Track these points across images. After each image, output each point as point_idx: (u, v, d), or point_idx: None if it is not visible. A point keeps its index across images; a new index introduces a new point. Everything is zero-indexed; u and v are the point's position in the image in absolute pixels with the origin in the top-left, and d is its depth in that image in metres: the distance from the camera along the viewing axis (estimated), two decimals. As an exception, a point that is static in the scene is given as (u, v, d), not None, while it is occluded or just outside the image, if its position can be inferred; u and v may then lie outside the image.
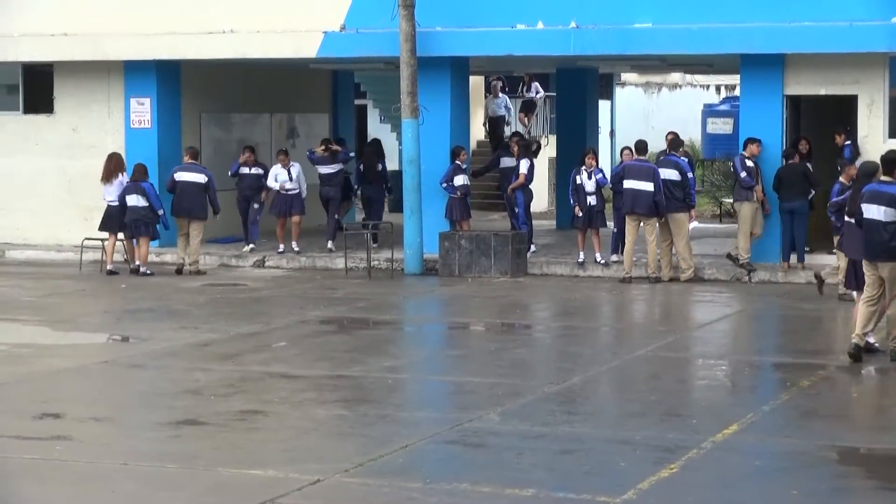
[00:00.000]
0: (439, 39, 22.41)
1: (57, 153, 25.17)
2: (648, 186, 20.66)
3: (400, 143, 23.70)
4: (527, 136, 29.60)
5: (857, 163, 21.12)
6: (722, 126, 33.57)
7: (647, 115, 40.97)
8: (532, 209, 23.73)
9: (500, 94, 33.29)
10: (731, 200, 24.18)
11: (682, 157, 21.59)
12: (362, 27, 22.85)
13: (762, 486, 9.82)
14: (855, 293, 15.07)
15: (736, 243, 21.34)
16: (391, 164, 27.18)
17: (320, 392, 13.03)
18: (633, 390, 13.38)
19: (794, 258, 21.25)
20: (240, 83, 26.51)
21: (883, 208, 13.98)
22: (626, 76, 40.53)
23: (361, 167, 25.28)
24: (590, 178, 21.67)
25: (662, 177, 20.83)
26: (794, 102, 22.29)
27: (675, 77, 41.69)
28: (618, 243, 21.88)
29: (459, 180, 22.56)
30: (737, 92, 32.43)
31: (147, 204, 21.63)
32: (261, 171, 23.53)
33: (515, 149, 23.40)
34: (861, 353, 14.22)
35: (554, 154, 30.76)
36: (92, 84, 24.87)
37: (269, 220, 24.10)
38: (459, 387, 13.49)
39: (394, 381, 13.79)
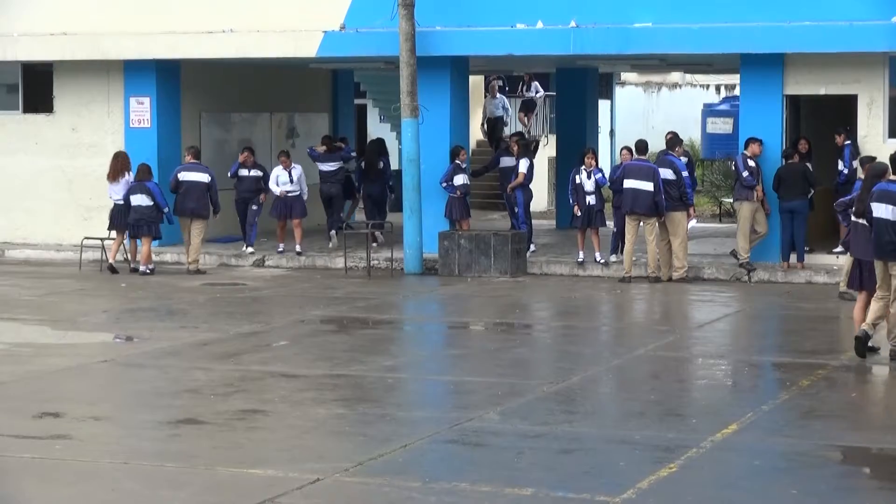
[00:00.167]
0: (439, 39, 22.41)
1: (56, 153, 25.18)
2: (648, 186, 20.66)
3: (400, 143, 23.69)
4: (527, 136, 29.62)
5: (856, 163, 21.22)
6: (722, 126, 33.55)
7: (646, 115, 40.96)
8: (532, 209, 23.74)
9: (498, 95, 33.29)
10: (731, 200, 24.18)
11: (679, 157, 21.57)
12: (362, 27, 22.85)
13: (761, 485, 9.82)
14: (857, 293, 15.07)
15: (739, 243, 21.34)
16: (393, 164, 27.17)
17: (320, 391, 13.03)
18: (633, 390, 13.38)
19: (793, 258, 21.25)
20: (239, 83, 26.50)
21: (892, 207, 14.01)
22: (625, 76, 40.53)
23: (363, 165, 25.29)
24: (589, 177, 21.67)
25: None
26: (794, 102, 22.30)
27: (675, 77, 41.68)
28: (617, 243, 21.88)
29: (459, 180, 22.56)
30: (736, 91, 32.42)
31: (151, 203, 21.69)
32: (259, 174, 23.46)
33: (515, 148, 23.41)
34: (868, 339, 14.22)
35: (554, 154, 30.76)
36: (91, 83, 24.87)
37: (268, 220, 24.09)
38: (459, 386, 13.49)
39: (393, 380, 13.79)
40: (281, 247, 23.34)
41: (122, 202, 22.00)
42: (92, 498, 9.66)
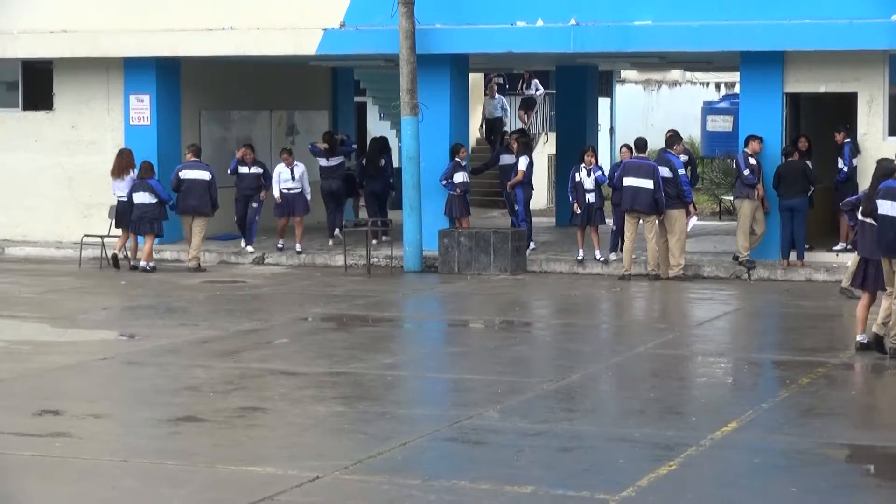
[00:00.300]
0: (439, 37, 22.41)
1: (56, 150, 25.18)
2: (648, 184, 20.66)
3: (400, 141, 23.69)
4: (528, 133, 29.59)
5: (855, 161, 21.23)
6: (722, 123, 33.57)
7: (646, 113, 40.97)
8: (532, 206, 23.73)
9: (497, 96, 33.27)
10: (731, 198, 24.18)
11: (679, 155, 21.55)
12: (362, 24, 22.84)
13: (761, 483, 9.82)
14: (859, 292, 15.08)
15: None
16: (395, 161, 27.19)
17: (319, 389, 13.03)
18: (633, 388, 13.38)
19: (793, 255, 21.25)
20: (239, 80, 26.50)
21: None
22: (625, 73, 40.54)
23: (364, 162, 25.30)
24: (589, 175, 21.67)
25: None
26: (794, 100, 22.30)
27: (675, 74, 41.69)
28: (617, 240, 21.88)
29: (459, 177, 22.56)
30: (736, 89, 32.43)
31: (152, 201, 21.76)
32: (259, 170, 23.42)
33: (515, 146, 23.41)
34: (881, 339, 14.23)
35: (553, 151, 30.76)
36: (91, 81, 24.87)
37: (267, 218, 24.06)
38: (459, 384, 13.49)
39: (393, 378, 13.79)
40: (281, 243, 23.29)
41: (125, 199, 22.06)
42: (92, 496, 9.66)
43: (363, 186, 25.33)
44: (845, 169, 21.21)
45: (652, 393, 12.96)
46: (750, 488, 9.71)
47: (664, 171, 20.88)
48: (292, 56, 23.96)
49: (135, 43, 23.92)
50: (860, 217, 14.64)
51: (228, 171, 23.43)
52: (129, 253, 22.33)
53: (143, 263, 21.75)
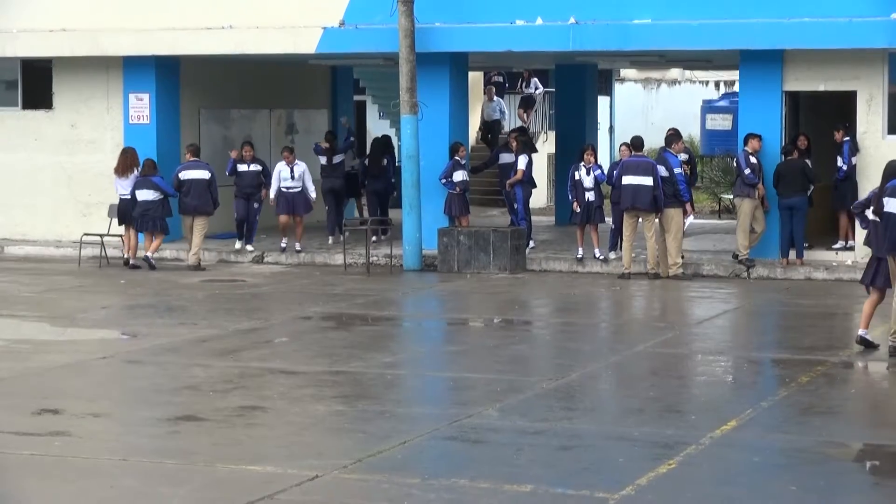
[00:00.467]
0: (438, 35, 22.41)
1: (56, 149, 25.18)
2: (648, 181, 20.67)
3: (399, 140, 23.69)
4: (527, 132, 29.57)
5: (854, 159, 21.23)
6: (721, 122, 33.56)
7: (646, 112, 40.96)
8: (531, 205, 23.72)
9: (496, 98, 33.25)
10: (731, 196, 24.18)
11: (679, 153, 21.53)
12: (361, 23, 22.83)
13: (761, 482, 9.82)
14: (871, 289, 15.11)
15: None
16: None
17: (319, 388, 13.03)
18: (632, 386, 13.38)
19: (792, 254, 21.25)
20: (239, 79, 26.50)
21: None
22: (625, 72, 40.53)
23: (367, 162, 25.31)
24: (588, 174, 21.67)
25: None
26: (794, 98, 22.29)
27: (675, 73, 41.68)
28: (616, 239, 21.87)
29: (458, 176, 22.55)
30: (736, 88, 32.40)
31: (155, 198, 21.84)
32: (259, 168, 23.37)
33: (514, 144, 23.40)
34: None
35: (553, 150, 30.76)
36: (91, 80, 24.87)
37: (266, 217, 24.03)
38: (458, 383, 13.49)
39: (392, 377, 13.79)
40: (284, 242, 23.12)
41: (128, 196, 22.10)
42: (91, 495, 9.66)
43: (365, 186, 25.33)
44: (844, 167, 21.21)
45: (651, 392, 12.96)
46: (749, 487, 9.71)
47: (661, 170, 20.88)
48: (292, 55, 23.95)
49: (134, 42, 23.92)
50: (870, 216, 14.69)
51: (227, 173, 23.32)
52: (128, 252, 22.33)
53: (148, 253, 21.80)
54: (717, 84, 42.13)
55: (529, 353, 15.35)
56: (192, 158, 22.51)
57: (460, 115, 23.67)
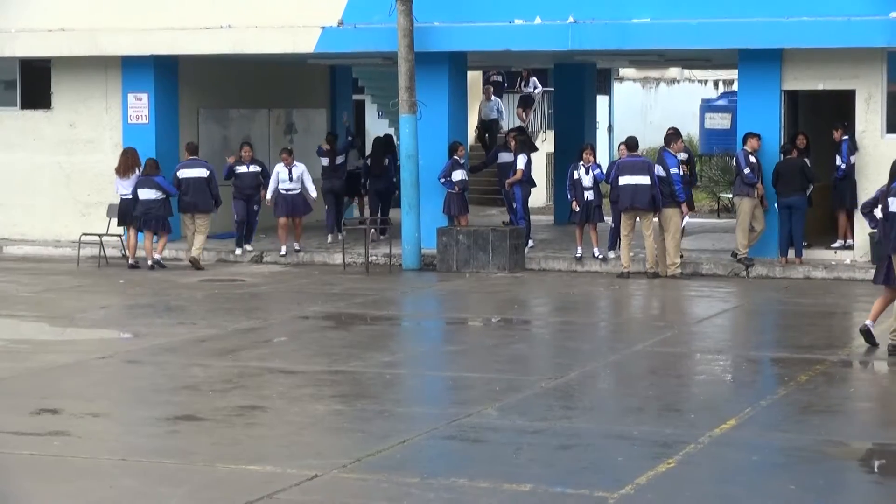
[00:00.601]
0: (437, 35, 22.41)
1: (54, 149, 25.17)
2: (645, 180, 20.70)
3: (398, 139, 23.69)
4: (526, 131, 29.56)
5: (853, 158, 21.22)
6: (720, 121, 33.54)
7: (644, 111, 40.95)
8: (530, 204, 23.71)
9: (493, 98, 33.24)
10: (731, 195, 24.17)
11: (678, 153, 21.51)
12: (360, 22, 22.83)
13: (759, 480, 9.82)
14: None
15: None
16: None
17: (318, 388, 13.03)
18: (631, 385, 13.38)
19: (791, 253, 21.24)
20: (237, 79, 26.49)
21: None
22: (624, 71, 40.51)
23: (369, 161, 25.31)
24: (587, 173, 21.67)
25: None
26: (792, 97, 22.29)
27: (674, 72, 41.67)
28: (615, 238, 21.86)
29: (457, 175, 22.55)
30: (735, 87, 32.40)
31: (157, 197, 21.86)
32: (258, 169, 23.25)
33: (513, 143, 23.41)
34: None
35: (552, 149, 30.76)
36: (89, 80, 24.86)
37: (265, 216, 24.01)
38: (457, 382, 13.50)
39: (392, 376, 13.79)
40: (284, 249, 22.90)
41: (129, 196, 22.10)
42: (90, 495, 9.66)
43: (366, 186, 25.33)
44: (843, 166, 21.20)
45: (651, 391, 12.96)
46: (748, 486, 9.71)
47: (659, 170, 20.88)
48: (290, 54, 23.95)
49: (133, 41, 23.91)
50: (879, 214, 14.72)
51: (224, 177, 23.12)
52: (127, 251, 22.34)
53: (157, 255, 21.86)
54: (716, 83, 42.11)
55: (528, 353, 15.35)
56: (190, 157, 22.51)
57: (459, 115, 23.67)
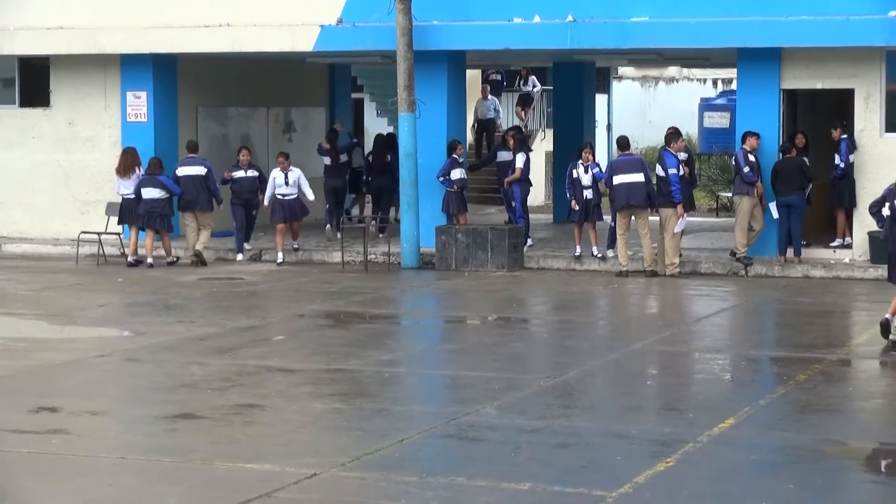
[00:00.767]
0: (436, 33, 22.40)
1: (53, 147, 25.16)
2: (639, 177, 20.73)
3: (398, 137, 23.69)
4: (524, 130, 29.57)
5: (852, 157, 21.22)
6: (719, 120, 33.56)
7: (643, 110, 40.94)
8: (529, 203, 23.71)
9: (490, 97, 33.23)
10: (730, 194, 24.16)
11: (678, 152, 21.48)
12: (359, 21, 22.82)
13: (758, 479, 9.82)
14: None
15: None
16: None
17: (317, 386, 13.03)
18: (630, 384, 13.38)
19: (790, 252, 21.24)
20: (236, 77, 26.48)
21: None
22: (622, 70, 40.50)
23: (370, 159, 25.27)
24: (586, 171, 21.67)
25: (652, 172, 20.93)
26: (791, 96, 22.29)
27: (672, 71, 41.66)
28: (614, 237, 21.85)
29: (456, 174, 22.54)
30: (733, 86, 32.42)
31: (161, 196, 21.90)
32: (256, 173, 23.02)
33: (511, 142, 23.41)
34: None
35: (551, 148, 30.76)
36: (88, 78, 24.85)
37: (264, 216, 23.95)
38: (456, 381, 13.49)
39: (390, 374, 13.79)
40: (280, 257, 22.53)
41: (131, 196, 22.08)
42: (89, 492, 9.65)
43: (368, 184, 25.28)
44: (842, 165, 21.20)
45: (649, 389, 12.97)
46: (747, 485, 9.71)
47: (659, 170, 20.87)
48: (289, 53, 23.94)
49: (132, 39, 23.89)
50: (886, 212, 14.74)
51: (219, 184, 22.91)
52: (125, 249, 22.34)
53: (168, 258, 21.97)
54: (714, 82, 42.11)
55: (527, 351, 15.35)
56: (189, 155, 22.52)
57: (458, 113, 23.66)
